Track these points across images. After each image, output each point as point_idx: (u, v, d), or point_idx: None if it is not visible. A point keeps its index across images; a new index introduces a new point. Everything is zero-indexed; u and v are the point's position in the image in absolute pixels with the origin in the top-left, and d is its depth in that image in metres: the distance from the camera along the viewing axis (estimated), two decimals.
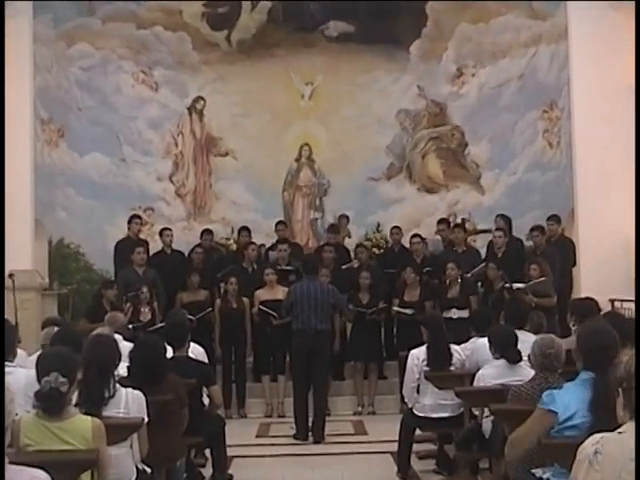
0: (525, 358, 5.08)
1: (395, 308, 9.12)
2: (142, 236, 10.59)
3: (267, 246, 10.60)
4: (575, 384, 3.80)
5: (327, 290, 8.17)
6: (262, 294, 9.05)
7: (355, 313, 9.09)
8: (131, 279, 9.21)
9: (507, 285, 8.48)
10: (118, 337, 5.62)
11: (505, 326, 5.83)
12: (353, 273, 9.71)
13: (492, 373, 5.47)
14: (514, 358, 5.36)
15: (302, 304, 7.97)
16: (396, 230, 10.66)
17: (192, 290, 9.30)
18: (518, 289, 8.34)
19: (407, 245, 10.30)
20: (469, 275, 9.21)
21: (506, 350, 5.37)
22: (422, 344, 6.49)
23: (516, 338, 5.42)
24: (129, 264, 9.47)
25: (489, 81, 12.16)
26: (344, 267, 9.97)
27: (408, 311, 8.98)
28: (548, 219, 9.88)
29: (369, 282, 9.16)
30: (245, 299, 9.17)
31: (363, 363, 9.26)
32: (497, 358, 5.51)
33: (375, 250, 11.41)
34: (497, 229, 9.77)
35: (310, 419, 7.95)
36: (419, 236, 10.18)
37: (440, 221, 10.75)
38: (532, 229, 9.59)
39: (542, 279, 8.38)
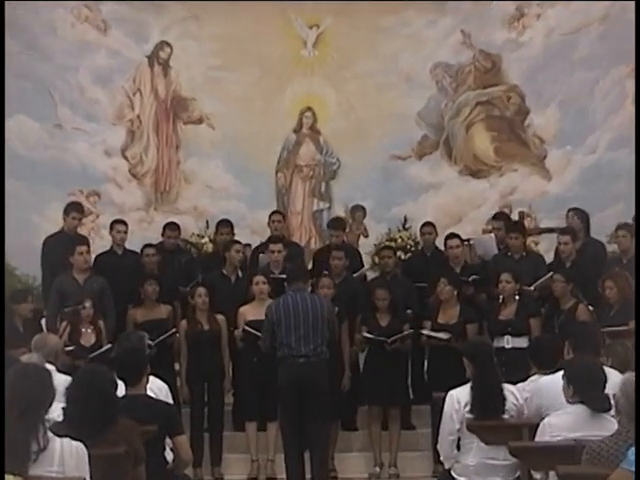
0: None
1: (425, 332, 9.12)
2: (83, 231, 10.60)
3: (254, 246, 10.57)
4: None
5: (320, 304, 8.20)
6: (248, 311, 9.02)
7: (368, 341, 9.07)
8: (69, 289, 9.20)
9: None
10: (50, 367, 5.61)
11: (590, 359, 5.80)
12: (364, 285, 9.76)
13: (565, 423, 5.43)
14: (601, 406, 5.32)
15: (287, 324, 8.01)
16: (429, 228, 10.57)
17: (148, 305, 9.32)
18: None
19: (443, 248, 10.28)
20: (531, 288, 9.20)
21: (590, 393, 5.34)
22: (464, 382, 6.49)
23: (605, 378, 5.38)
24: (65, 269, 9.45)
25: (560, 25, 12.21)
26: (355, 275, 9.99)
27: (442, 335, 8.95)
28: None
29: (387, 302, 9.16)
30: (220, 317, 9.18)
31: (381, 407, 9.25)
32: (573, 403, 5.48)
33: (401, 254, 11.38)
34: (563, 232, 9.72)
35: None
36: (458, 237, 10.09)
37: (496, 216, 10.73)
38: (618, 228, 9.60)
39: (627, 328, 8.39)
